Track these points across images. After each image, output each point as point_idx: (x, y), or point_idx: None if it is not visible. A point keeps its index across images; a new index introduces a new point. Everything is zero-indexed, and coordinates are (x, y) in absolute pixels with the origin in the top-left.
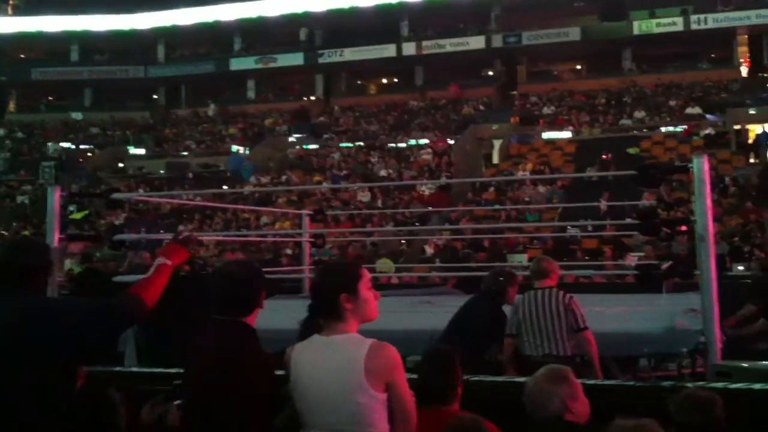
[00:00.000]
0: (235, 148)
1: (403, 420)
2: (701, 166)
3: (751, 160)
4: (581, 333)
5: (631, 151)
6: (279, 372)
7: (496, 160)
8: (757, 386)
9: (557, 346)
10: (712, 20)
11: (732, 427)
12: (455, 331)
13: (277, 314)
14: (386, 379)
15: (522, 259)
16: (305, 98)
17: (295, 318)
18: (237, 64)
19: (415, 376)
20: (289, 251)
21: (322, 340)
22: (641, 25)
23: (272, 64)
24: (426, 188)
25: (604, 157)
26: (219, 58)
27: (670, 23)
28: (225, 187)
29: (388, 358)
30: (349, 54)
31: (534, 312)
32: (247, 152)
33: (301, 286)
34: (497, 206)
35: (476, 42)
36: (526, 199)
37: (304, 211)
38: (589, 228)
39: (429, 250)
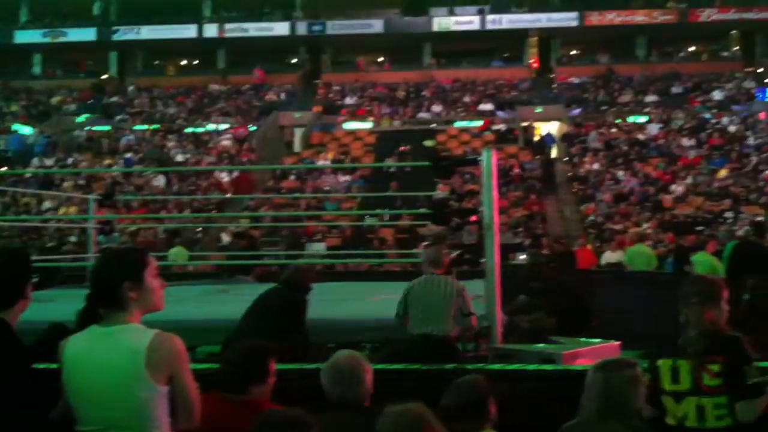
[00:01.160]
0: (17, 126)
1: (186, 412)
2: (490, 160)
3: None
4: (468, 317)
5: (428, 143)
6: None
7: (297, 148)
8: (531, 367)
9: (440, 326)
10: (506, 21)
11: (508, 406)
12: (252, 320)
13: (55, 305)
14: (169, 372)
15: (320, 248)
16: (97, 76)
17: (74, 309)
18: (22, 37)
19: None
20: (74, 238)
21: (100, 331)
22: (440, 22)
23: (62, 39)
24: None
25: (401, 148)
26: (1, 29)
27: (468, 21)
28: (5, 168)
29: (171, 349)
30: (147, 32)
31: (425, 295)
32: (32, 131)
33: (86, 275)
34: (297, 195)
35: (281, 28)
36: (326, 188)
37: (91, 196)
38: (386, 217)
39: (226, 238)
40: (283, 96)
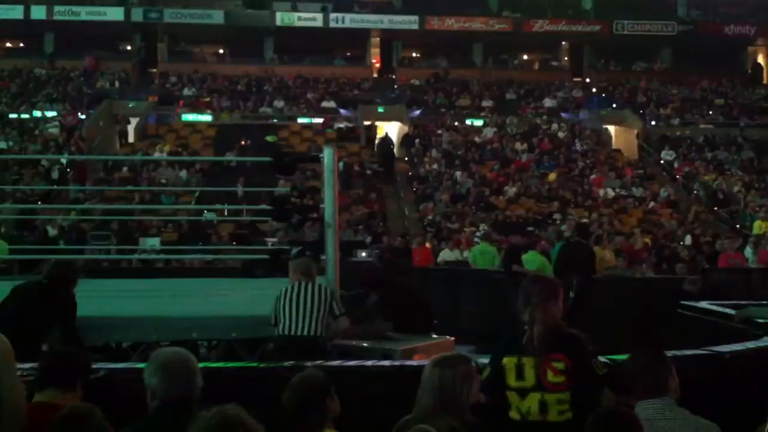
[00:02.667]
0: None
1: (10, 413)
2: (331, 157)
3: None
4: (340, 318)
5: (270, 139)
6: None
7: (132, 138)
8: (369, 363)
9: (309, 328)
10: (349, 20)
11: (347, 403)
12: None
13: None
14: None
15: (155, 243)
16: None
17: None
18: None
19: None
20: None
21: None
22: (283, 17)
23: None
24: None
25: (243, 143)
26: None
27: (311, 18)
28: None
29: None
30: None
31: (296, 299)
32: None
33: None
34: (131, 187)
35: (115, 13)
36: (163, 181)
37: None
38: (226, 213)
39: (52, 231)
40: (116, 84)
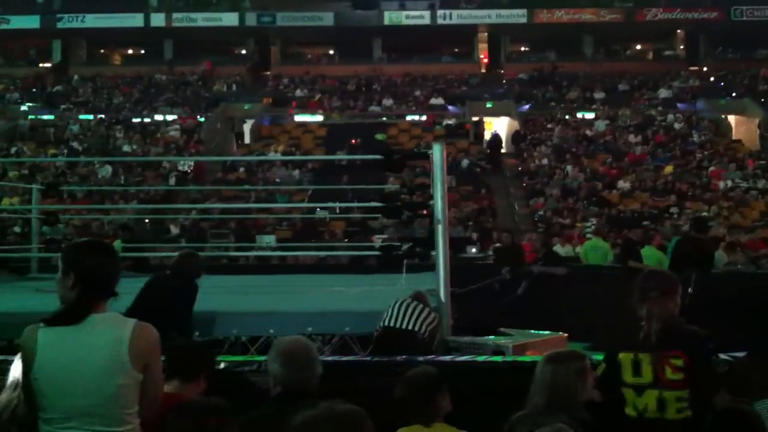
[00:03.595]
0: None
1: (151, 401)
2: (440, 154)
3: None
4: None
5: (379, 137)
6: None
7: (247, 140)
8: (481, 358)
9: (409, 323)
10: (456, 16)
11: (458, 398)
12: (143, 308)
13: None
14: (147, 360)
15: (271, 240)
16: (41, 65)
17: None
18: None
19: None
20: (17, 229)
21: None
22: (391, 16)
23: (4, 26)
24: (183, 166)
25: (352, 142)
26: None
27: (418, 16)
28: None
29: (150, 338)
30: (92, 20)
31: (405, 306)
32: None
33: (30, 266)
34: (246, 186)
35: (229, 18)
36: (276, 180)
37: (35, 186)
38: (337, 210)
39: (174, 230)
40: (232, 87)
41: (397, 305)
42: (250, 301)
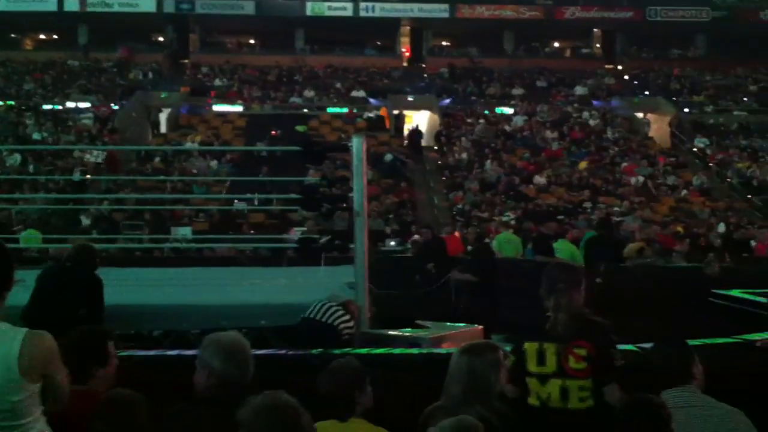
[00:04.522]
0: None
1: (58, 400)
2: (360, 147)
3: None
4: None
5: (300, 128)
6: None
7: (163, 129)
8: (397, 351)
9: (325, 316)
10: (379, 9)
11: (375, 390)
12: (43, 306)
13: None
14: (43, 371)
15: (187, 232)
16: None
17: None
18: None
19: None
20: None
21: None
22: (314, 7)
23: None
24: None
25: (273, 133)
26: None
27: (341, 8)
28: None
29: (43, 350)
30: (3, 4)
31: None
32: None
33: None
34: (162, 177)
35: (147, 4)
36: (194, 171)
37: None
38: (256, 202)
39: (86, 221)
40: (149, 75)
41: (323, 305)
42: (164, 295)
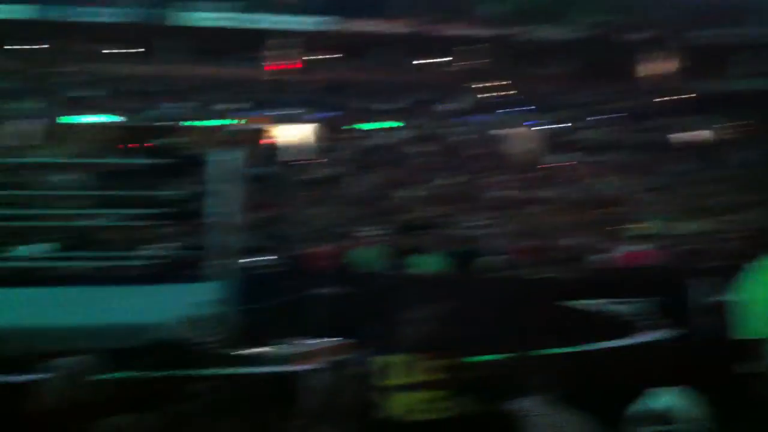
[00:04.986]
0: None
1: None
2: (226, 160)
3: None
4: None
5: (164, 141)
6: None
7: (16, 140)
8: (260, 369)
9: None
10: (253, 20)
11: (238, 408)
12: None
13: None
14: None
15: (39, 248)
16: None
17: None
18: None
19: None
20: None
21: None
22: (183, 16)
23: None
24: None
25: (135, 145)
26: None
27: (211, 18)
28: None
29: None
30: None
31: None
32: None
33: None
34: (13, 192)
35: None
36: (49, 184)
37: None
38: (115, 217)
39: None
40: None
41: (182, 323)
42: (7, 316)
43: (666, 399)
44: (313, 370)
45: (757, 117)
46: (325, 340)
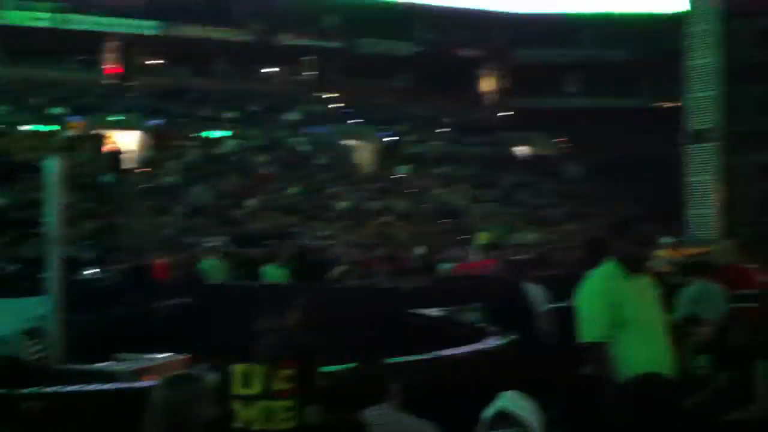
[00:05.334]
0: None
1: None
2: (54, 168)
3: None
4: None
5: None
6: None
7: None
8: (92, 387)
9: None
10: (84, 22)
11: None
12: None
13: None
14: None
15: None
16: None
17: None
18: None
19: None
20: None
21: None
22: (11, 16)
23: None
24: None
25: None
26: None
27: (40, 18)
28: None
29: None
30: None
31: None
32: None
33: None
34: None
35: None
36: None
37: None
38: None
39: None
40: None
41: (20, 337)
42: None
43: (509, 403)
44: (154, 386)
45: (584, 133)
46: (167, 354)
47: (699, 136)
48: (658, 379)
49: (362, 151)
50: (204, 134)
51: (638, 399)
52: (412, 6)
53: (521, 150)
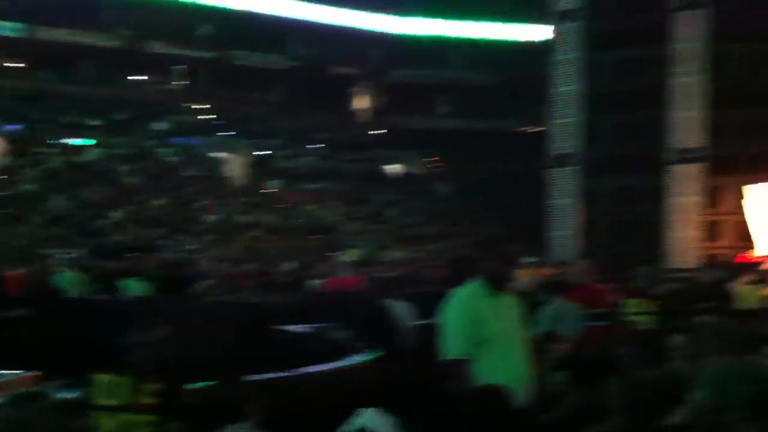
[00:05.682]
0: None
1: None
2: None
3: None
4: None
5: None
6: None
7: None
8: None
9: None
10: None
11: None
12: None
13: None
14: None
15: None
16: None
17: None
18: None
19: None
20: None
21: None
22: None
23: None
24: None
25: None
26: None
27: None
28: None
29: None
30: None
31: None
32: None
33: None
34: None
35: None
36: None
37: None
38: None
39: None
40: None
41: None
42: None
43: (369, 420)
44: (1, 405)
45: (453, 153)
46: (15, 371)
47: (561, 161)
48: (495, 391)
49: (233, 164)
50: (66, 141)
51: (472, 410)
52: (288, 20)
53: (393, 168)
